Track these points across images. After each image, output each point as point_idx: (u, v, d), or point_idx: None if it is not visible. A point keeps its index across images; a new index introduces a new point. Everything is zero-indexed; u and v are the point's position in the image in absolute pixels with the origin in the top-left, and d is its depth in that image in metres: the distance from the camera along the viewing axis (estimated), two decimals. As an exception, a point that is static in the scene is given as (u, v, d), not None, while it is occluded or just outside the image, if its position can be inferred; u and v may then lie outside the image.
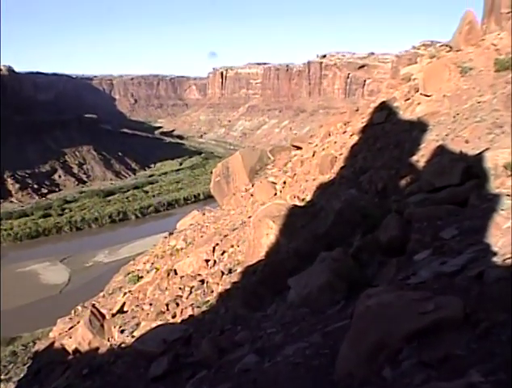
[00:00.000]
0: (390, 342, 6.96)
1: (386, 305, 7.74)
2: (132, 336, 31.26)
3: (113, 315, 42.16)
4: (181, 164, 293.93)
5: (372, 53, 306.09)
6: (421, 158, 28.76)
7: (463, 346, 6.55)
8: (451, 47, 48.27)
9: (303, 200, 40.05)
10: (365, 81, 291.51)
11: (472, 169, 18.77)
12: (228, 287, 30.60)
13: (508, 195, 15.22)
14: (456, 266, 10.59)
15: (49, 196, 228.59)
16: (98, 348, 33.15)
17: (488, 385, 5.19)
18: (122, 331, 35.52)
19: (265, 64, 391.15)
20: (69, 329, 46.75)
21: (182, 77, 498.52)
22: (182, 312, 32.70)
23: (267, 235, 26.70)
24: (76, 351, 35.67)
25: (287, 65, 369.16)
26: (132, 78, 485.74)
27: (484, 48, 44.03)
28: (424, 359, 6.38)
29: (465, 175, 18.54)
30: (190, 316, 29.77)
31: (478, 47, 44.68)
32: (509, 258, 10.08)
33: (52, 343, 46.05)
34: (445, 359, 6.30)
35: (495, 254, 10.83)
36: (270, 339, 11.88)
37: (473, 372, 5.54)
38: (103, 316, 38.08)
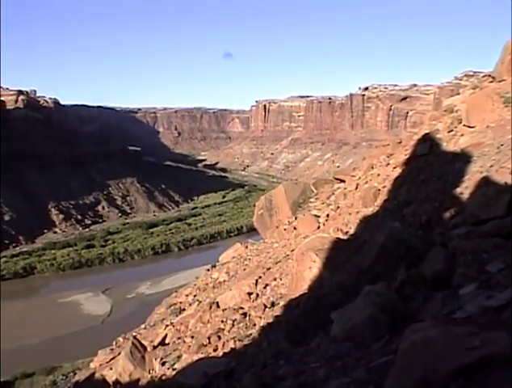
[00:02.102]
0: (436, 378, 6.79)
1: (431, 340, 7.59)
2: (173, 369, 31.27)
3: (154, 347, 42.22)
4: (224, 197, 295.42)
5: (415, 85, 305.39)
6: (465, 189, 28.40)
7: (511, 383, 6.40)
8: (493, 77, 47.84)
9: (346, 233, 39.76)
10: (407, 113, 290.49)
11: (518, 200, 18.44)
12: (271, 320, 30.42)
13: (555, 227, 14.92)
14: (503, 300, 10.36)
15: (92, 228, 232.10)
16: (138, 380, 33.26)
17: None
18: (163, 364, 35.54)
19: (307, 97, 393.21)
20: (110, 360, 47.03)
21: (225, 110, 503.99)
22: (223, 345, 32.60)
23: (310, 268, 26.54)
24: (116, 382, 35.84)
25: (330, 98, 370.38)
26: (175, 111, 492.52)
27: (529, 77, 43.62)
28: (471, 396, 6.25)
29: (511, 206, 18.22)
30: (232, 349, 29.65)
31: (526, 76, 44.28)
32: (556, 293, 9.86)
33: (93, 373, 46.42)
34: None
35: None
36: (314, 374, 11.70)
37: None
38: (145, 348, 38.23)
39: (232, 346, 30.88)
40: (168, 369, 33.11)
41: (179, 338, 42.39)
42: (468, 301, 11.37)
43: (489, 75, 49.71)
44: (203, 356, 28.89)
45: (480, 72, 60.30)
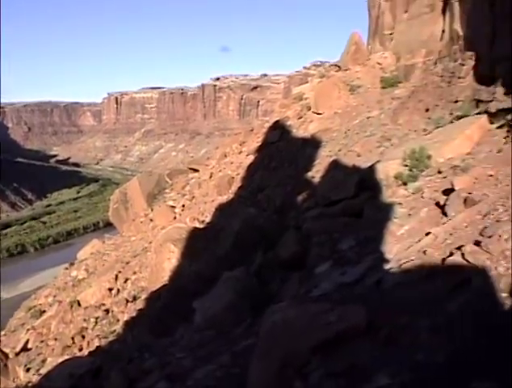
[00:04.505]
0: (297, 355, 7.03)
1: (290, 319, 7.84)
2: (39, 374, 30.21)
3: (17, 354, 40.49)
4: (78, 192, 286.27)
5: (265, 75, 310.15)
6: (315, 173, 29.42)
7: (367, 352, 6.75)
8: (339, 66, 50.00)
9: (202, 222, 40.01)
10: (258, 102, 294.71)
11: (365, 181, 19.37)
12: (134, 315, 30.13)
13: (400, 203, 15.87)
14: (356, 275, 10.91)
15: None
16: (3, 390, 31.76)
17: (395, 387, 5.43)
18: (27, 370, 34.26)
19: (159, 88, 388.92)
20: (-30, 372, 44.55)
21: (76, 103, 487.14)
22: (88, 344, 31.93)
23: (169, 259, 26.50)
24: (-22, 396, 34.05)
25: (182, 89, 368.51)
26: (24, 106, 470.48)
27: (370, 66, 46.28)
28: (331, 369, 6.51)
29: (359, 187, 19.11)
30: (98, 347, 29.03)
31: (364, 66, 46.89)
32: (404, 263, 10.48)
33: None
34: (352, 367, 6.46)
35: (391, 260, 11.23)
36: (180, 365, 11.76)
37: (380, 376, 5.74)
38: (6, 355, 36.51)
39: (98, 344, 30.33)
40: (33, 375, 31.95)
41: (42, 341, 40.96)
42: (324, 279, 11.87)
43: (336, 65, 51.89)
44: (68, 357, 28.03)
45: (327, 62, 62.71)
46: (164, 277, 26.66)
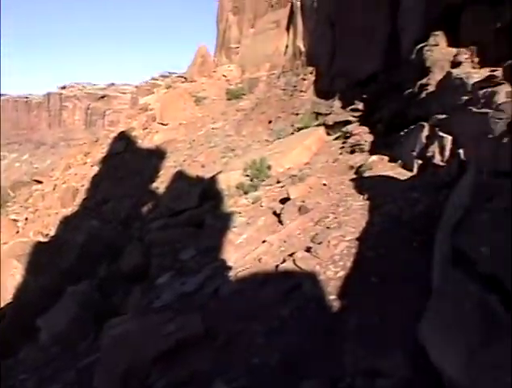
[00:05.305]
0: (139, 368, 7.13)
1: (130, 332, 7.84)
2: None
3: None
4: None
5: (112, 84, 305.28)
6: (160, 184, 29.42)
7: (207, 359, 6.91)
8: (185, 78, 50.38)
9: (47, 235, 38.65)
10: (105, 111, 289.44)
11: (208, 191, 19.65)
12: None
13: (240, 212, 16.24)
14: (195, 285, 11.03)
15: None
16: None
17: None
18: None
19: (3, 95, 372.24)
20: None
21: None
22: None
23: (13, 276, 25.39)
24: None
25: (26, 97, 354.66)
26: None
27: (216, 79, 47.13)
28: (173, 379, 6.59)
29: (202, 197, 19.35)
30: None
31: (210, 78, 47.69)
32: (241, 271, 10.73)
33: None
34: (192, 375, 6.61)
35: (229, 269, 11.45)
36: (23, 387, 11.28)
37: (218, 381, 5.96)
38: None
39: None
40: None
41: None
42: (165, 290, 11.90)
43: (182, 76, 52.25)
44: None
45: (175, 73, 62.73)
46: (9, 295, 25.49)
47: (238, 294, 9.28)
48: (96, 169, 43.37)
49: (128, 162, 38.90)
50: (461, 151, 12.09)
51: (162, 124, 41.15)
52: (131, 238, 19.59)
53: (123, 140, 43.07)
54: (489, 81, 12.18)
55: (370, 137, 20.39)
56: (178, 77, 54.33)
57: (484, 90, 12.14)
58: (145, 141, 40.28)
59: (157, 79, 62.65)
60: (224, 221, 15.45)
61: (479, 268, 4.13)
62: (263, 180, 19.57)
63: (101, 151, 46.42)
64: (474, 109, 12.15)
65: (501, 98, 11.29)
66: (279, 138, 26.75)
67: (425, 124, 15.22)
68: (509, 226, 4.16)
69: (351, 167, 17.24)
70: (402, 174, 14.12)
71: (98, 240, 21.84)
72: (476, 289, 3.99)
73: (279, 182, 18.78)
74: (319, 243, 10.05)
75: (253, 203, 17.27)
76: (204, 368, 6.77)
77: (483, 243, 4.27)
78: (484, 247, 4.22)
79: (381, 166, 15.86)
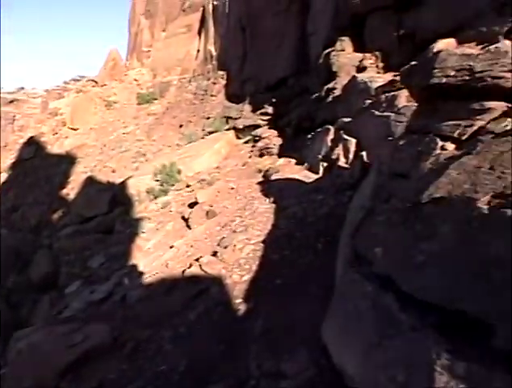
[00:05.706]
0: (46, 381, 6.94)
1: (36, 345, 7.68)
2: None
3: None
4: None
5: (22, 88, 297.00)
6: (71, 190, 28.87)
7: (115, 368, 6.85)
8: (96, 82, 49.55)
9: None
10: (14, 116, 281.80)
11: (118, 197, 19.44)
12: None
13: (149, 218, 16.17)
14: (104, 293, 10.93)
15: None
16: None
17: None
18: None
19: None
20: None
21: None
22: None
23: None
24: None
25: None
26: None
27: (127, 82, 46.60)
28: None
29: (112, 203, 19.13)
30: None
31: (122, 82, 47.11)
32: (148, 277, 10.71)
33: None
34: (101, 385, 6.51)
35: (138, 275, 11.40)
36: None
37: None
38: None
39: None
40: None
41: None
42: (74, 299, 11.72)
43: (93, 80, 51.36)
44: None
45: (86, 76, 61.31)
46: None
47: (146, 301, 9.26)
48: (5, 175, 42.15)
49: (37, 168, 37.96)
50: (364, 153, 12.38)
51: (73, 129, 40.43)
52: (41, 247, 19.16)
53: (33, 145, 42.01)
54: (392, 85, 12.56)
55: (279, 141, 20.69)
56: (89, 81, 53.37)
57: (387, 94, 12.52)
58: (55, 147, 39.43)
59: (68, 83, 61.28)
60: (133, 227, 15.35)
61: (374, 269, 4.26)
62: (173, 185, 19.53)
63: (10, 157, 45.13)
64: (377, 112, 12.49)
65: (401, 101, 11.68)
66: (190, 142, 26.74)
67: (331, 127, 15.53)
68: (400, 227, 4.32)
69: (260, 171, 17.42)
70: (308, 176, 14.34)
71: (6, 249, 21.25)
72: (372, 289, 4.11)
73: (188, 186, 18.80)
74: (225, 247, 10.13)
75: (162, 208, 17.23)
76: (113, 377, 6.73)
77: (378, 244, 4.41)
78: (379, 248, 4.36)
79: (288, 169, 16.09)
